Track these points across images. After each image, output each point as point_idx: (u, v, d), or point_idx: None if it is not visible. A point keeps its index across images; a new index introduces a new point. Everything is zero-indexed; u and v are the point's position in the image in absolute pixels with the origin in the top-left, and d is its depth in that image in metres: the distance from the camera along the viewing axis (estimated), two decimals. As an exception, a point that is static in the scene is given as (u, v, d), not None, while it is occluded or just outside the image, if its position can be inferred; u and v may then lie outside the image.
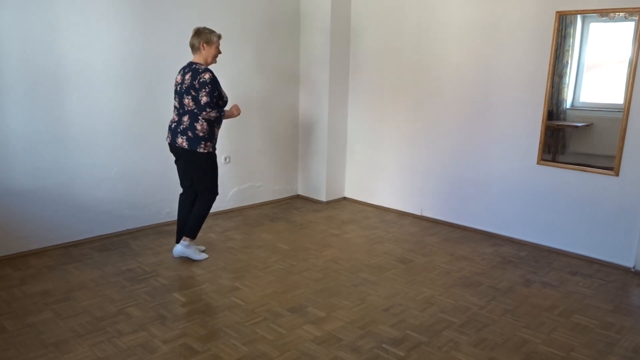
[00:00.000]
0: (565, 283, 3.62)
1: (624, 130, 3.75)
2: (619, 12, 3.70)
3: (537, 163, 4.21)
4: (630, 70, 3.66)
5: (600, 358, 2.69)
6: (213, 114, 3.49)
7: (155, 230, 4.47)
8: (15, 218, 3.77)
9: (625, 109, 3.73)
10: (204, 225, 4.62)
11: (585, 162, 3.99)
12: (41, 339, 2.71)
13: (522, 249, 4.25)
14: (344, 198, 5.74)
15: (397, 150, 5.16)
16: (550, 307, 3.24)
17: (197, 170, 3.69)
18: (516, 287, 3.53)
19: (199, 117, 3.52)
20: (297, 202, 5.57)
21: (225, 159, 5.00)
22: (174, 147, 3.68)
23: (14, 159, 3.71)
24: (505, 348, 2.75)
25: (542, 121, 4.13)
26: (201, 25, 3.69)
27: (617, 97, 3.78)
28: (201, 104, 3.45)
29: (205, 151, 3.60)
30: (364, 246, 4.25)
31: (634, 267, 3.84)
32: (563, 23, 3.96)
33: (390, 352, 2.68)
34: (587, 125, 4.02)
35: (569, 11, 3.90)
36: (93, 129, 4.05)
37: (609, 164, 3.86)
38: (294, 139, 5.64)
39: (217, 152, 4.92)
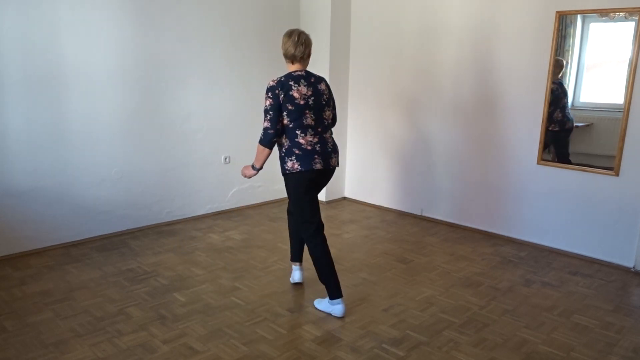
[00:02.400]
0: (565, 283, 3.62)
1: (624, 130, 3.75)
2: (619, 12, 3.70)
3: (537, 163, 4.21)
4: (630, 70, 3.66)
5: (600, 358, 2.69)
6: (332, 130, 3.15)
7: (155, 230, 4.47)
8: (15, 218, 3.77)
9: (625, 109, 3.73)
10: (203, 226, 4.64)
11: (585, 162, 3.99)
12: (41, 339, 2.71)
13: (522, 249, 4.25)
14: (344, 198, 5.74)
15: (397, 150, 5.16)
16: (550, 307, 3.24)
17: (321, 190, 3.16)
18: (516, 287, 3.53)
19: (332, 129, 3.16)
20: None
21: (225, 159, 5.00)
22: (321, 173, 2.99)
23: (14, 159, 3.71)
24: (505, 348, 2.75)
25: (542, 121, 4.13)
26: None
27: (617, 97, 3.78)
28: (336, 116, 3.21)
29: None
30: (364, 246, 4.25)
31: (634, 267, 3.84)
32: (563, 23, 3.95)
33: (390, 352, 2.68)
34: (587, 125, 4.02)
35: (569, 11, 3.90)
36: (93, 129, 4.05)
37: (609, 164, 3.86)
38: (294, 139, 5.63)
39: (216, 152, 4.97)
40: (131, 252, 3.96)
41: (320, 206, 5.37)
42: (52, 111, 3.83)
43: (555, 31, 3.96)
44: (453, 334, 2.88)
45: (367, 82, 5.31)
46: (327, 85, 3.10)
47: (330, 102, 3.09)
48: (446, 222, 4.89)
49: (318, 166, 2.95)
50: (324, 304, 3.10)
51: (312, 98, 2.96)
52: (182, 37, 4.45)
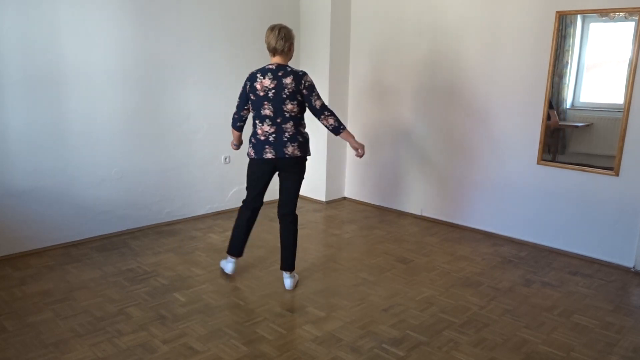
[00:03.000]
0: (565, 283, 3.62)
1: (624, 130, 3.75)
2: (619, 12, 3.70)
3: (537, 163, 4.21)
4: (630, 70, 3.66)
5: (600, 358, 2.69)
6: (331, 121, 3.22)
7: (155, 230, 4.47)
8: (15, 218, 3.77)
9: (625, 109, 3.73)
10: (203, 226, 4.64)
11: (585, 162, 3.99)
12: (41, 339, 2.71)
13: (522, 249, 4.25)
14: (344, 198, 5.74)
15: (397, 150, 5.16)
16: (550, 307, 3.24)
17: (298, 180, 3.35)
18: (516, 287, 3.53)
19: (303, 121, 3.26)
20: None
21: (225, 159, 5.00)
22: (272, 161, 3.24)
23: (14, 159, 3.71)
24: (505, 348, 2.75)
25: (542, 121, 4.13)
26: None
27: (617, 97, 3.78)
28: (317, 108, 3.20)
29: (310, 154, 3.37)
30: (364, 246, 4.25)
31: (634, 267, 3.84)
32: (563, 23, 3.96)
33: (390, 352, 2.68)
34: (587, 125, 4.02)
35: (569, 11, 3.90)
36: (93, 129, 4.05)
37: (609, 164, 3.86)
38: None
39: (216, 152, 4.96)
40: (131, 252, 3.96)
41: (320, 206, 5.41)
42: (52, 111, 3.83)
43: (555, 31, 3.96)
44: (453, 334, 2.88)
45: (367, 82, 5.31)
46: (298, 80, 3.14)
47: (295, 97, 3.15)
48: (446, 222, 4.89)
49: (268, 155, 3.20)
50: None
51: (273, 91, 3.13)
52: (182, 37, 4.45)
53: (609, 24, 3.82)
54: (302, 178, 3.38)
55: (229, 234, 4.45)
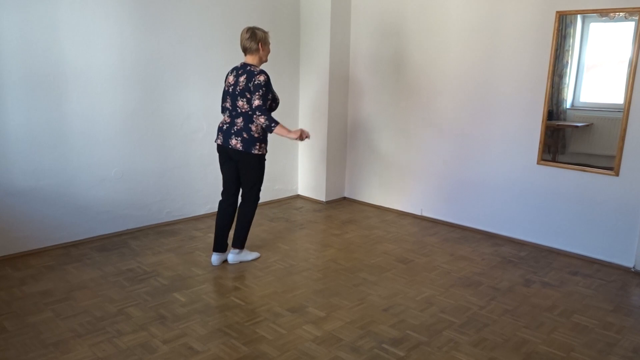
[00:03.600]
0: (565, 283, 3.62)
1: (624, 130, 3.75)
2: (619, 12, 3.70)
3: (537, 163, 4.21)
4: (630, 70, 3.66)
5: (600, 358, 2.69)
6: (261, 120, 3.41)
7: (155, 230, 4.47)
8: (15, 218, 3.77)
9: (625, 109, 3.73)
10: (203, 226, 4.63)
11: (585, 162, 3.99)
12: (41, 339, 2.71)
13: (522, 249, 4.25)
14: (344, 198, 5.74)
15: (398, 150, 5.16)
16: (550, 307, 3.24)
17: (249, 173, 3.61)
18: (516, 287, 3.53)
19: (254, 119, 3.46)
20: (297, 202, 5.57)
21: (225, 159, 5.00)
22: (225, 149, 3.59)
23: (14, 159, 3.71)
24: (505, 348, 2.75)
25: (542, 121, 4.13)
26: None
27: (617, 97, 3.78)
28: (253, 106, 3.40)
29: (260, 153, 3.55)
30: (364, 246, 4.25)
31: (634, 267, 3.84)
32: (563, 23, 3.96)
33: (390, 352, 2.68)
34: (587, 125, 4.02)
35: (569, 11, 3.90)
36: (93, 129, 4.05)
37: (609, 164, 3.86)
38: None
39: (216, 152, 4.94)
40: (131, 252, 3.96)
41: (320, 206, 5.41)
42: (52, 111, 3.83)
43: (555, 31, 3.96)
44: (453, 334, 2.88)
45: (367, 82, 5.31)
46: (249, 79, 3.41)
47: (244, 94, 3.43)
48: (446, 222, 4.89)
49: (218, 141, 3.61)
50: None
51: (232, 87, 3.52)
52: (182, 37, 4.45)
53: (609, 24, 3.82)
54: (256, 174, 3.63)
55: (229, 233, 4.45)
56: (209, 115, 4.76)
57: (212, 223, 4.70)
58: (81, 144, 4.01)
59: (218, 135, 3.62)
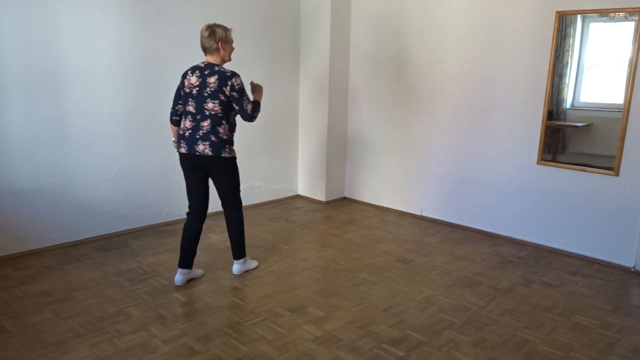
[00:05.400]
0: (565, 283, 3.62)
1: (624, 130, 3.75)
2: (619, 12, 3.70)
3: (537, 163, 4.21)
4: (630, 70, 3.66)
5: (600, 358, 2.69)
6: (257, 114, 3.31)
7: (155, 230, 4.47)
8: (15, 218, 3.77)
9: (625, 109, 3.73)
10: (203, 226, 4.62)
11: (585, 162, 3.99)
12: (41, 339, 2.71)
13: (522, 249, 4.25)
14: (344, 198, 5.74)
15: (398, 150, 5.16)
16: (550, 307, 3.24)
17: (223, 179, 3.39)
18: (516, 287, 3.53)
19: (223, 121, 3.24)
20: (297, 202, 5.57)
21: (225, 159, 5.00)
22: (190, 157, 3.28)
23: (14, 159, 3.71)
24: (505, 348, 2.75)
25: (542, 121, 4.13)
26: (207, 22, 3.57)
27: (617, 97, 3.78)
28: (248, 112, 3.24)
29: (230, 156, 3.32)
30: (364, 246, 4.25)
31: (634, 267, 3.84)
32: (563, 23, 3.96)
33: (390, 352, 2.68)
34: (587, 125, 4.02)
35: (569, 11, 3.90)
36: (93, 129, 4.05)
37: (609, 164, 3.86)
38: (294, 139, 5.64)
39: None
40: (131, 252, 3.96)
41: (320, 206, 5.41)
42: (53, 111, 3.83)
43: (555, 31, 3.96)
44: (453, 334, 2.88)
45: (367, 82, 5.31)
46: (223, 81, 3.18)
47: (216, 96, 3.18)
48: (446, 222, 4.89)
49: (182, 150, 3.30)
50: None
51: (197, 88, 3.21)
52: (182, 37, 4.45)
53: (609, 24, 3.82)
54: (231, 179, 3.41)
55: (229, 234, 4.45)
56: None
57: (212, 223, 4.70)
58: (81, 144, 4.01)
59: (180, 143, 3.29)
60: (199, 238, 3.48)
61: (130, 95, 4.22)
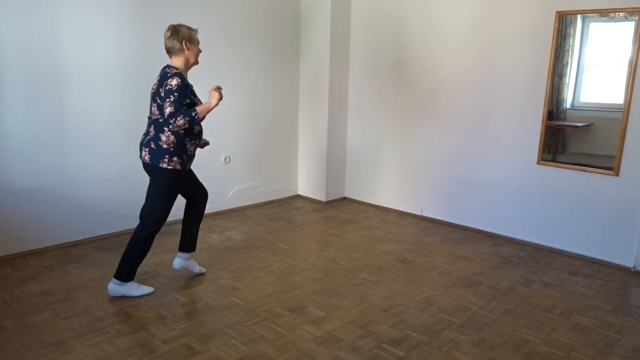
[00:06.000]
0: (565, 283, 3.62)
1: (624, 130, 3.75)
2: (619, 12, 3.70)
3: (537, 163, 4.21)
4: (630, 70, 3.66)
5: (600, 358, 2.69)
6: (180, 122, 2.89)
7: (155, 230, 4.46)
8: (15, 218, 3.77)
9: (625, 109, 3.73)
10: (202, 226, 4.62)
11: (585, 162, 3.99)
12: (41, 339, 2.71)
13: (522, 249, 4.25)
14: (344, 198, 5.74)
15: (397, 150, 5.16)
16: (550, 307, 3.24)
17: (151, 189, 3.12)
18: (516, 287, 3.53)
19: (165, 128, 2.99)
20: (297, 202, 5.57)
21: (225, 159, 5.00)
22: (142, 164, 3.16)
23: (14, 159, 3.71)
24: (505, 348, 2.75)
25: (542, 121, 4.13)
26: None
27: (617, 97, 3.78)
28: (165, 115, 2.91)
29: (170, 167, 3.02)
30: (364, 246, 4.25)
31: (634, 267, 3.84)
32: (563, 23, 3.96)
33: (390, 352, 2.68)
34: (587, 125, 4.02)
35: (569, 11, 3.90)
36: (93, 129, 4.05)
37: (609, 164, 3.86)
38: (294, 139, 5.64)
39: (216, 152, 4.95)
40: (131, 252, 3.96)
41: (320, 206, 5.41)
42: (53, 111, 3.83)
43: (555, 31, 3.96)
44: (453, 334, 2.88)
45: (367, 82, 5.31)
46: (161, 81, 2.96)
47: (155, 98, 2.99)
48: (446, 222, 4.89)
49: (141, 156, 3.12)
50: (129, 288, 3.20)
51: (151, 92, 3.07)
52: (182, 37, 4.45)
53: (609, 24, 3.82)
54: (157, 192, 3.09)
55: (229, 233, 4.46)
56: (208, 115, 4.75)
57: (212, 223, 4.70)
58: (81, 144, 4.01)
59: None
60: (192, 221, 3.44)
61: (130, 95, 4.21)
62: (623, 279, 3.72)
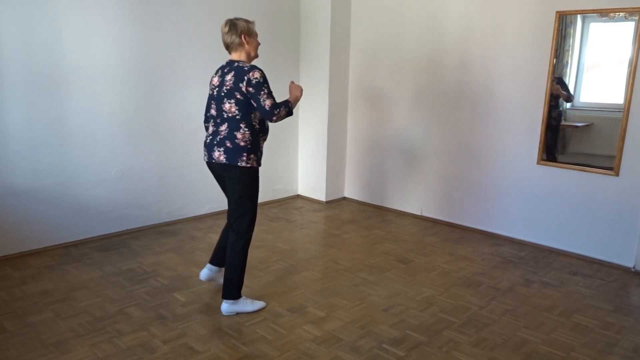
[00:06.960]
0: (565, 283, 3.62)
1: (624, 130, 3.75)
2: (619, 12, 3.70)
3: (537, 163, 4.21)
4: (630, 70, 3.66)
5: (600, 358, 2.69)
6: (283, 113, 2.86)
7: (155, 230, 4.47)
8: (15, 218, 3.77)
9: (625, 109, 3.73)
10: (203, 226, 4.63)
11: (585, 162, 3.99)
12: (41, 339, 2.71)
13: (522, 249, 4.25)
14: (344, 198, 5.74)
15: (397, 150, 5.16)
16: (550, 307, 3.24)
17: (235, 192, 2.95)
18: (516, 287, 3.53)
19: (241, 125, 2.86)
20: (297, 202, 5.57)
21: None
22: (211, 165, 3.01)
23: (14, 159, 3.71)
24: (505, 348, 2.75)
25: (542, 121, 4.13)
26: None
27: (617, 97, 3.78)
28: (266, 109, 2.80)
29: (248, 165, 2.89)
30: (364, 246, 4.25)
31: (634, 267, 3.84)
32: (563, 23, 3.96)
33: (390, 352, 2.68)
34: (587, 125, 4.02)
35: (569, 11, 3.90)
36: (93, 129, 4.05)
37: (609, 164, 3.86)
38: (294, 138, 5.64)
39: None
40: (131, 252, 3.96)
41: (320, 206, 5.41)
42: (52, 111, 3.83)
43: (555, 31, 3.96)
44: (453, 334, 2.88)
45: (367, 82, 5.31)
46: (239, 76, 2.83)
47: (232, 94, 2.84)
48: (446, 222, 4.89)
49: (205, 158, 3.01)
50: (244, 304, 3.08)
51: (217, 89, 2.93)
52: (182, 37, 4.45)
53: (609, 24, 3.82)
54: (243, 193, 2.95)
55: (229, 234, 4.45)
56: (209, 115, 4.76)
57: (213, 223, 4.70)
58: (81, 144, 4.01)
59: (204, 151, 3.02)
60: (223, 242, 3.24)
61: (130, 95, 4.22)
62: (623, 279, 3.72)
